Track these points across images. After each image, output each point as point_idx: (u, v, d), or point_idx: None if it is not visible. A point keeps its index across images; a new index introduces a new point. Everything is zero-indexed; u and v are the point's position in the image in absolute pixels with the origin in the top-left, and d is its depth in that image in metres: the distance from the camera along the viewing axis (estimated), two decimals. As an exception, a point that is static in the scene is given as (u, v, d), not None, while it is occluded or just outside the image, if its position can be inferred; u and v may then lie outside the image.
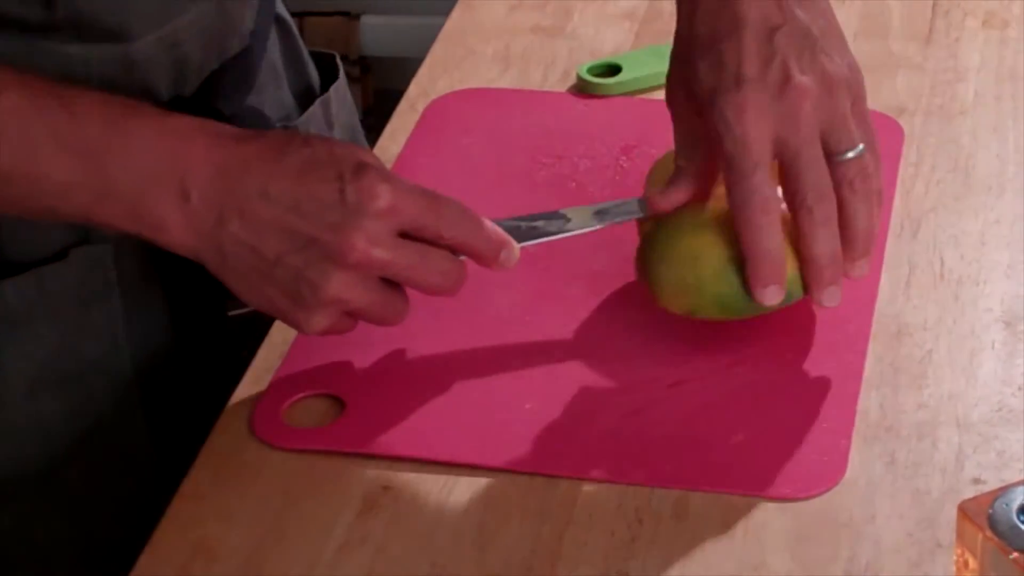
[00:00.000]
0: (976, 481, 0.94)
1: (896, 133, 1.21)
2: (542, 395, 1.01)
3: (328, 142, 0.95)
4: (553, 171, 1.19)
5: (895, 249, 1.11)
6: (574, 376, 1.02)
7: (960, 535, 0.83)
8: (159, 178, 0.92)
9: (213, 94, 1.06)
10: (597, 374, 1.02)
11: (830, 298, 0.99)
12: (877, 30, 1.34)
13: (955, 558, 0.84)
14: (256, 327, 1.06)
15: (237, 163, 0.93)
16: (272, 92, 1.14)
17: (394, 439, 0.98)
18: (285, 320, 0.96)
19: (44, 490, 1.04)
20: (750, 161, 0.95)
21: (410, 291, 0.97)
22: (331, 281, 0.92)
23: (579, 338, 1.04)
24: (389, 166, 1.21)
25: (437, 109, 1.27)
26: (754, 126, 0.95)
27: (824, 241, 0.97)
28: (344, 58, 2.05)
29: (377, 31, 2.51)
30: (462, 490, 0.96)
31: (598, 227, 1.03)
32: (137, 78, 1.01)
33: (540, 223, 1.01)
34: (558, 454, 0.97)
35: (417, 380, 1.02)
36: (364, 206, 0.92)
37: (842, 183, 0.97)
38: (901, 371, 1.02)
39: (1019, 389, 1.00)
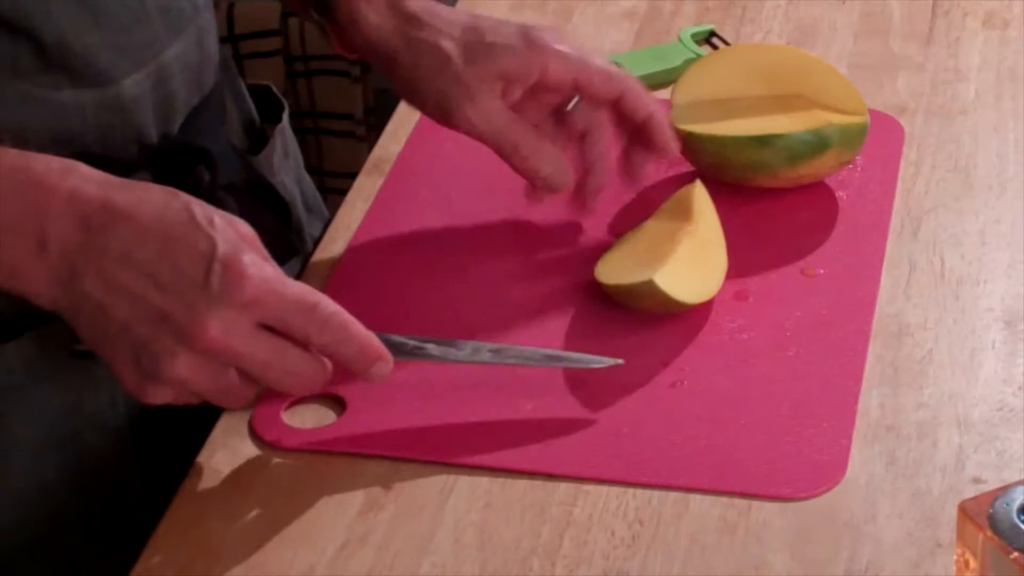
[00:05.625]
0: (976, 481, 0.94)
1: (896, 133, 1.21)
2: (542, 395, 1.01)
3: (208, 211, 0.89)
4: (553, 171, 1.19)
5: (895, 249, 1.11)
6: (574, 376, 1.02)
7: (960, 535, 0.83)
8: (17, 227, 0.87)
9: (194, 131, 1.04)
10: (597, 374, 1.02)
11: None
12: (877, 30, 1.34)
13: (955, 558, 0.84)
14: None
15: (103, 217, 0.88)
16: (233, 126, 1.12)
17: (394, 439, 0.98)
18: (126, 385, 0.90)
19: (47, 552, 1.02)
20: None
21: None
22: (176, 361, 0.87)
23: (579, 339, 1.04)
24: (389, 166, 1.21)
25: (437, 109, 1.27)
26: None
27: None
28: (344, 58, 2.06)
29: (378, 31, 2.51)
30: (462, 490, 0.96)
31: (489, 363, 1.00)
32: (128, 120, 0.99)
33: (430, 346, 0.98)
34: (558, 454, 0.97)
35: (417, 380, 1.02)
36: (227, 293, 0.87)
37: None
38: (901, 371, 1.02)
39: (1019, 389, 1.00)
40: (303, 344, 0.90)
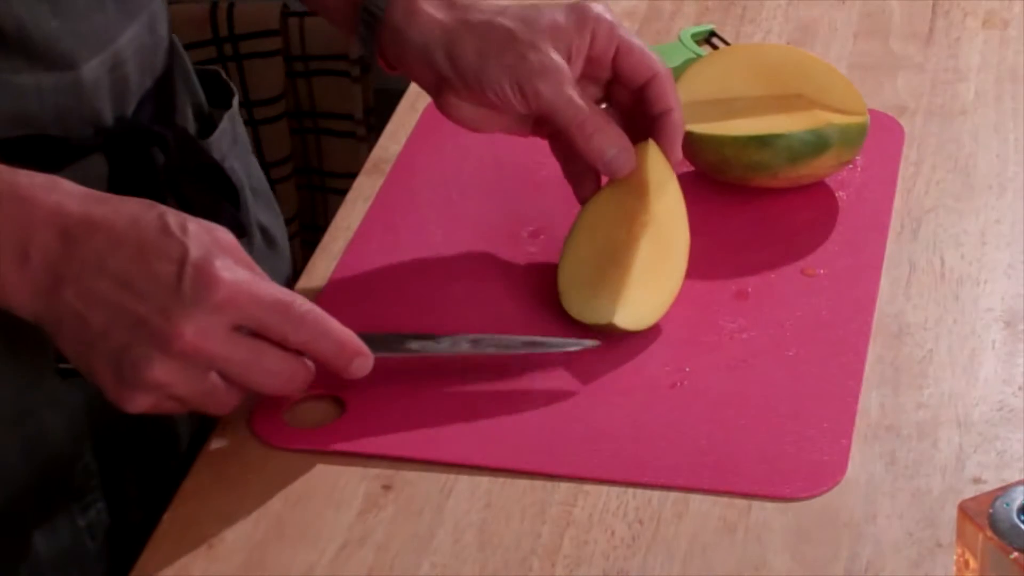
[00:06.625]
0: (976, 481, 0.94)
1: (897, 133, 1.22)
2: (542, 395, 1.01)
3: (183, 219, 0.91)
4: (553, 170, 1.19)
5: (895, 249, 1.11)
6: (574, 376, 1.02)
7: (960, 535, 0.83)
8: (1, 239, 0.89)
9: (147, 114, 1.05)
10: (597, 374, 1.02)
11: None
12: (877, 30, 1.34)
13: (955, 558, 0.84)
14: None
15: (82, 229, 0.89)
16: (183, 110, 1.13)
17: (394, 439, 0.98)
18: (107, 394, 0.91)
19: (3, 528, 1.01)
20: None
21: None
22: (153, 366, 0.88)
23: (580, 338, 1.04)
24: (389, 166, 1.21)
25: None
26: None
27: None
28: (344, 58, 2.05)
29: (378, 31, 2.51)
30: (462, 490, 0.96)
31: (469, 352, 1.02)
32: (86, 104, 1.00)
33: (411, 341, 1.01)
34: (558, 454, 0.97)
35: (417, 380, 1.02)
36: (200, 295, 0.88)
37: None
38: (901, 371, 1.02)
39: (1019, 389, 1.00)
40: (282, 345, 0.91)
